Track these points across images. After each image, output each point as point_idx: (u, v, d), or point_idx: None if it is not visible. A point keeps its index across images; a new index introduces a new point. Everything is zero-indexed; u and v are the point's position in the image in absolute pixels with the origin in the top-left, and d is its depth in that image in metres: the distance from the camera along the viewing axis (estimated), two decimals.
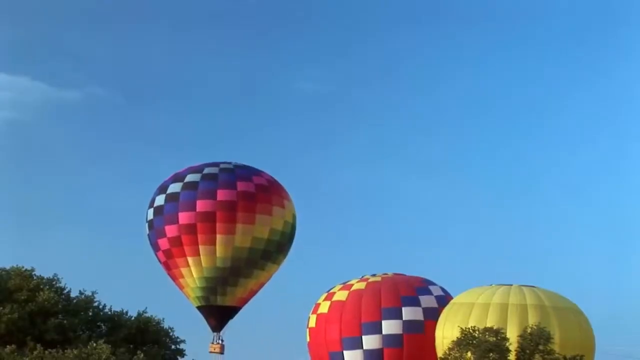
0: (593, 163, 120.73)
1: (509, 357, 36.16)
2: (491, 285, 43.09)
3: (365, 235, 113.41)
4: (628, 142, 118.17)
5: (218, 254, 50.81)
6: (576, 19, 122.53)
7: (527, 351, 36.38)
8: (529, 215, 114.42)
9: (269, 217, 52.07)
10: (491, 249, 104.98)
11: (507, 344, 36.16)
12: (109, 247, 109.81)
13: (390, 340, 46.11)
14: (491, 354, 35.82)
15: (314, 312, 49.61)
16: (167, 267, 52.86)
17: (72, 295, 39.69)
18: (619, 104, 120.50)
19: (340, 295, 48.75)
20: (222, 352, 53.46)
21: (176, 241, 51.11)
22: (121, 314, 40.30)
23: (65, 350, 34.05)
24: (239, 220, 50.84)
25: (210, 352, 53.39)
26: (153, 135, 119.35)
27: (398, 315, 46.47)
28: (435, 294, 47.72)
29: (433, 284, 49.21)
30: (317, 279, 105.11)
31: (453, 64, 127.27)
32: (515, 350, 36.49)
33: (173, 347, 40.70)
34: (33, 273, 38.77)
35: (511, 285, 42.37)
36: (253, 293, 53.93)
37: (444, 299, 46.83)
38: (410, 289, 47.87)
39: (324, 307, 48.86)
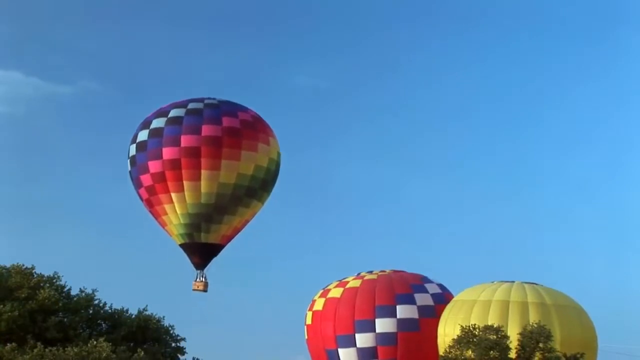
0: (595, 161, 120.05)
1: (509, 355, 36.36)
2: (493, 282, 43.24)
3: (365, 233, 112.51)
4: (631, 140, 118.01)
5: (203, 189, 49.77)
6: (576, 19, 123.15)
7: (528, 349, 36.44)
8: (530, 213, 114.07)
9: (254, 153, 51.27)
10: (492, 247, 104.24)
11: (508, 342, 36.28)
12: (109, 245, 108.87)
13: (384, 338, 46.16)
14: (492, 352, 35.87)
15: (310, 308, 49.73)
16: (150, 204, 51.67)
17: (73, 293, 39.46)
18: (621, 103, 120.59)
19: (335, 293, 48.85)
20: (205, 290, 52.83)
21: (160, 177, 50.02)
22: (121, 312, 40.06)
23: (66, 348, 33.74)
24: (224, 156, 49.89)
25: (194, 289, 52.77)
26: None
27: (392, 314, 46.48)
28: (431, 292, 47.67)
29: (430, 281, 49.15)
30: (316, 276, 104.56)
31: (453, 63, 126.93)
32: (516, 348, 36.55)
33: (173, 344, 40.58)
34: (33, 271, 38.53)
35: (513, 282, 42.50)
36: (237, 231, 53.07)
37: (442, 297, 46.96)
38: (406, 287, 47.85)
39: (319, 304, 48.98)
